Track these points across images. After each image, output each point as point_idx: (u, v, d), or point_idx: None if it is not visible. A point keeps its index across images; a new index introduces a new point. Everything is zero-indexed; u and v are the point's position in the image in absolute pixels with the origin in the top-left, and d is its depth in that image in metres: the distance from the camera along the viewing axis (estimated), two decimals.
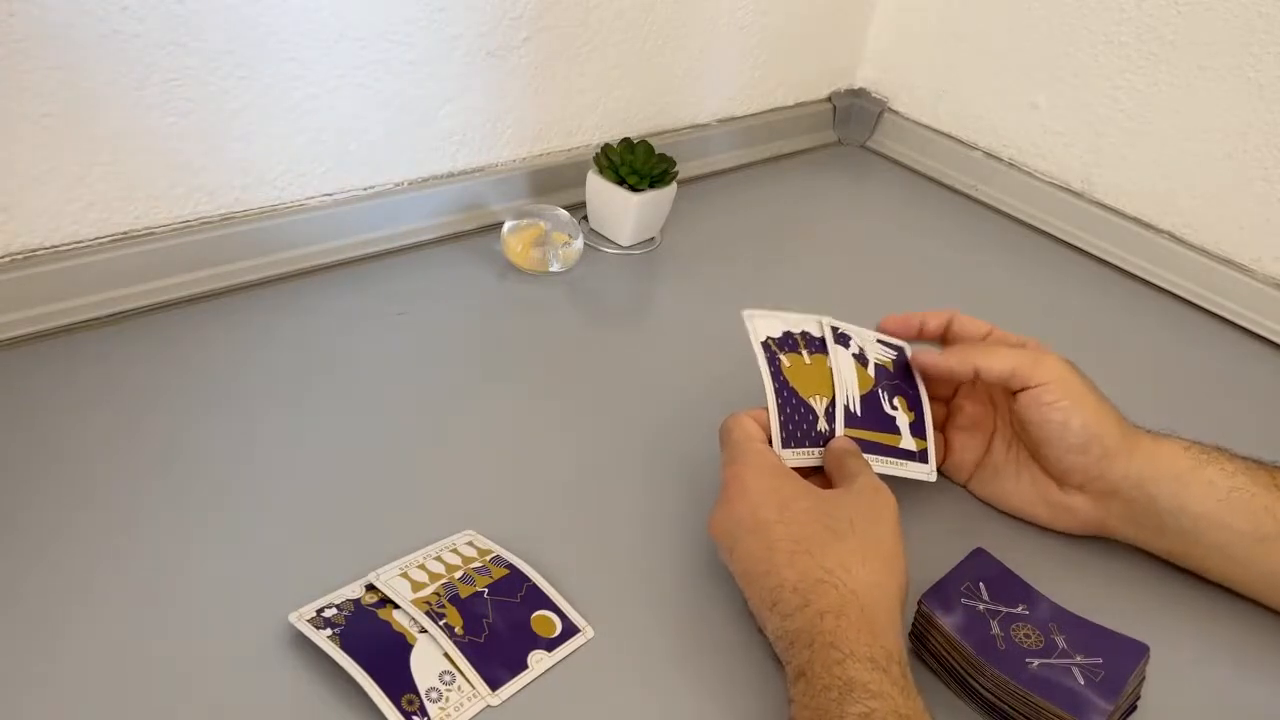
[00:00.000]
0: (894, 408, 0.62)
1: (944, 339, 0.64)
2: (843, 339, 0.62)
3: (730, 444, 0.57)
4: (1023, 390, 0.58)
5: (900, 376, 0.63)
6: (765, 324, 0.60)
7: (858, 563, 0.50)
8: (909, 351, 0.65)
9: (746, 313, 0.60)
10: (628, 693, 0.51)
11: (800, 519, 0.52)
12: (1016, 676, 0.49)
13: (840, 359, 0.61)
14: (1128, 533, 0.60)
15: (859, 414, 0.60)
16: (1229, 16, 0.86)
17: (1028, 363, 0.58)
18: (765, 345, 0.59)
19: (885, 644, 0.47)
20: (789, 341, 0.60)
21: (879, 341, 0.64)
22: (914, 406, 0.63)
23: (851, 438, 0.59)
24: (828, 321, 0.62)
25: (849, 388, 0.60)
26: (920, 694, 0.46)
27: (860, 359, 0.62)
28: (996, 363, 0.58)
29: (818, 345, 0.61)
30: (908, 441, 0.61)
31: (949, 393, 0.66)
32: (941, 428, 0.66)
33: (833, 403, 0.59)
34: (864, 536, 0.51)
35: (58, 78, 0.64)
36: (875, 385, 0.62)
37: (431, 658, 0.49)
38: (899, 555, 0.52)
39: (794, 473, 0.55)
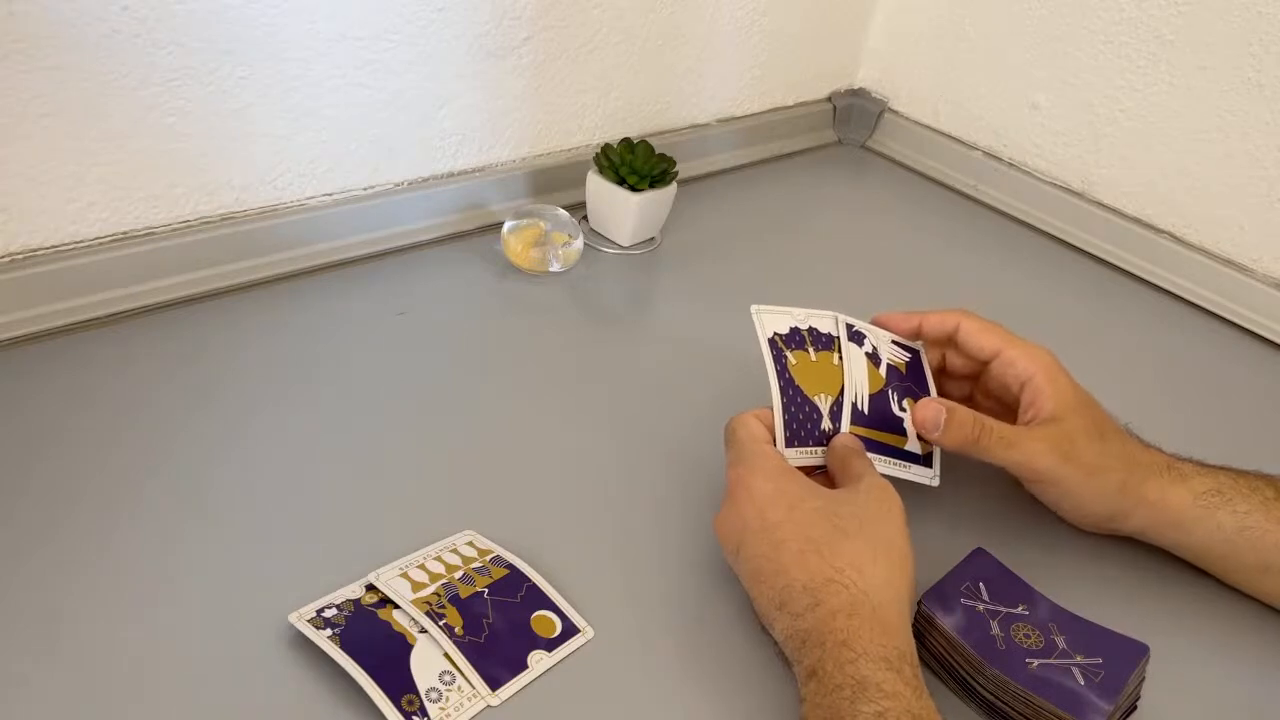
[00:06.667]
0: (903, 409, 0.61)
1: (949, 344, 0.64)
2: (857, 337, 0.62)
3: (735, 444, 0.57)
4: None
5: (912, 379, 0.63)
6: (773, 320, 0.60)
7: (868, 562, 0.50)
8: (924, 353, 0.65)
9: (755, 308, 0.60)
10: (628, 693, 0.51)
11: (808, 519, 0.52)
12: (1016, 677, 0.49)
13: (852, 356, 0.61)
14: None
15: (866, 413, 0.60)
16: (1229, 16, 0.86)
17: (1023, 463, 0.57)
18: (772, 342, 0.59)
19: (897, 643, 0.47)
20: (796, 338, 0.60)
21: (894, 343, 0.64)
22: None
23: (856, 436, 0.59)
24: (843, 318, 0.62)
25: (859, 386, 0.60)
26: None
27: (873, 358, 0.62)
28: (991, 458, 0.58)
29: (825, 342, 0.61)
30: (913, 444, 0.61)
31: (975, 373, 0.65)
32: (969, 403, 0.65)
33: (838, 401, 0.59)
34: (873, 536, 0.51)
35: (58, 78, 0.64)
36: (886, 385, 0.62)
37: (431, 658, 0.49)
38: (908, 555, 0.52)
39: (800, 473, 0.55)
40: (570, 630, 0.53)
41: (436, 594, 0.52)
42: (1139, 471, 0.58)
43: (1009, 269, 0.97)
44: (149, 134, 0.70)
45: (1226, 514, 0.56)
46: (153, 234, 0.73)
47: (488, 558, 0.56)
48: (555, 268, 0.84)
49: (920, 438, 0.61)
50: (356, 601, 0.52)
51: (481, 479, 0.63)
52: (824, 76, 1.15)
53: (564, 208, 0.85)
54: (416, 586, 0.53)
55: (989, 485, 0.66)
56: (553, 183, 0.93)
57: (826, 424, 0.59)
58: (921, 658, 0.53)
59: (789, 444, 0.58)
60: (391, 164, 0.83)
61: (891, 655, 0.46)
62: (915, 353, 0.64)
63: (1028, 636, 0.51)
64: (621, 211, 0.87)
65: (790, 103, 1.13)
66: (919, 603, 0.53)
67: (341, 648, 0.48)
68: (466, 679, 0.49)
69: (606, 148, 0.88)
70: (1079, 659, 0.50)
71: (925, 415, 0.58)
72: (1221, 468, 0.59)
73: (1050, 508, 0.61)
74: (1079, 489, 0.58)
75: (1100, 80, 0.96)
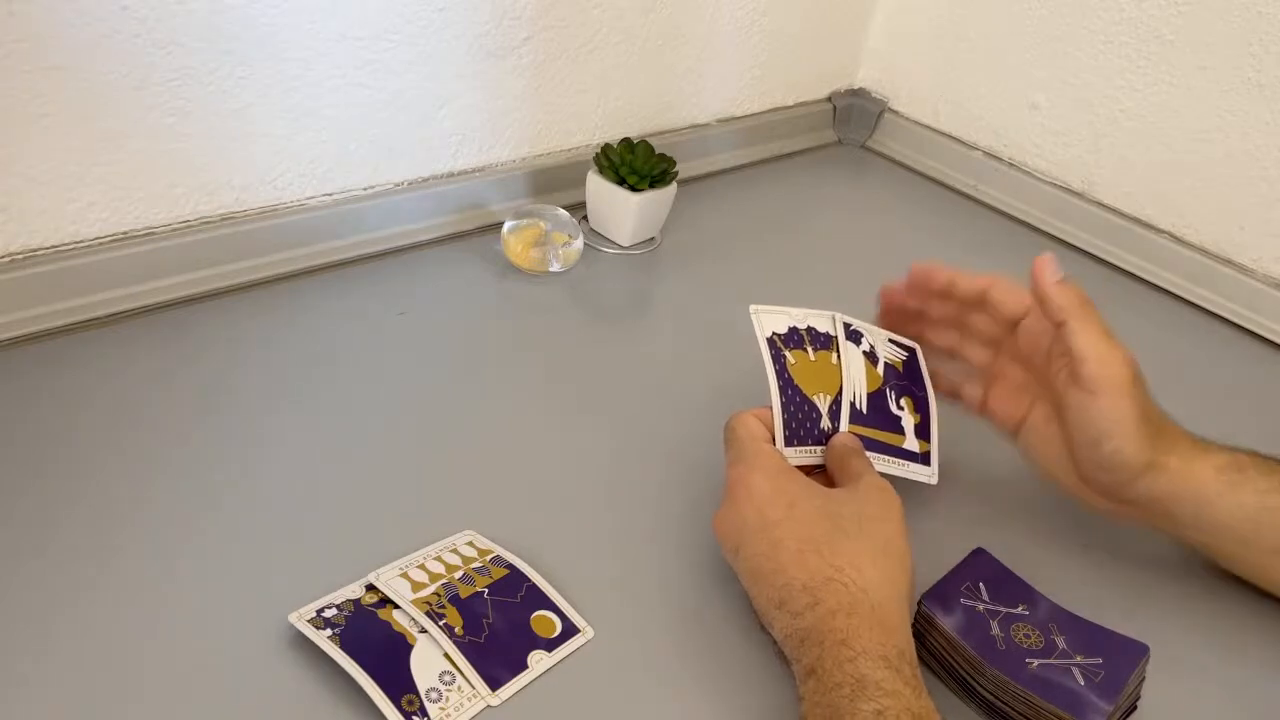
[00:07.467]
0: (900, 408, 0.62)
1: (973, 306, 0.62)
2: (854, 336, 0.62)
3: (735, 443, 0.57)
4: (1078, 386, 0.56)
5: (909, 377, 0.63)
6: (771, 320, 0.60)
7: (867, 561, 0.50)
8: (920, 352, 0.65)
9: (753, 308, 0.60)
10: (628, 693, 0.51)
11: (808, 518, 0.52)
12: (1016, 677, 0.49)
13: (850, 356, 0.61)
14: (1144, 526, 0.60)
15: (865, 412, 0.60)
16: (1229, 16, 0.86)
17: (1102, 361, 0.55)
18: (771, 342, 0.59)
19: (897, 642, 0.47)
20: (794, 338, 0.60)
21: (890, 341, 0.64)
22: (920, 409, 0.63)
23: (855, 435, 0.59)
24: (840, 318, 0.62)
25: (856, 385, 0.61)
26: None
27: (870, 357, 0.62)
28: (1081, 337, 0.56)
29: (823, 342, 0.61)
30: (911, 443, 0.61)
31: (999, 340, 0.63)
32: (984, 373, 0.64)
33: (837, 401, 0.60)
34: (872, 535, 0.52)
35: (57, 78, 0.64)
36: (883, 384, 0.62)
37: (431, 658, 0.49)
38: (907, 554, 0.52)
39: (799, 472, 0.55)
40: (570, 630, 0.53)
41: (436, 594, 0.52)
42: (1166, 437, 0.56)
43: (1009, 269, 0.96)
44: (149, 134, 0.70)
45: (1248, 492, 0.55)
46: (153, 234, 0.73)
47: (488, 558, 0.56)
48: (555, 268, 0.84)
49: (918, 435, 0.61)
50: (356, 601, 0.52)
51: (481, 479, 0.63)
52: (824, 76, 1.15)
53: (564, 208, 0.85)
54: (416, 586, 0.52)
55: (989, 485, 0.67)
56: (553, 183, 0.93)
57: (825, 423, 0.59)
58: (921, 658, 0.53)
59: (788, 443, 0.58)
60: (391, 164, 0.83)
61: (890, 654, 0.46)
62: (912, 351, 0.65)
63: (1028, 636, 0.51)
64: (621, 211, 0.87)
65: (790, 103, 1.13)
66: (919, 603, 0.53)
67: (341, 648, 0.48)
68: (466, 679, 0.49)
69: (606, 148, 0.88)
70: (1079, 659, 0.50)
71: (1050, 259, 0.57)
72: (1238, 447, 0.57)
73: (1081, 452, 0.58)
74: (1132, 418, 0.55)
75: (1100, 80, 0.96)
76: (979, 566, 0.55)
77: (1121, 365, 0.55)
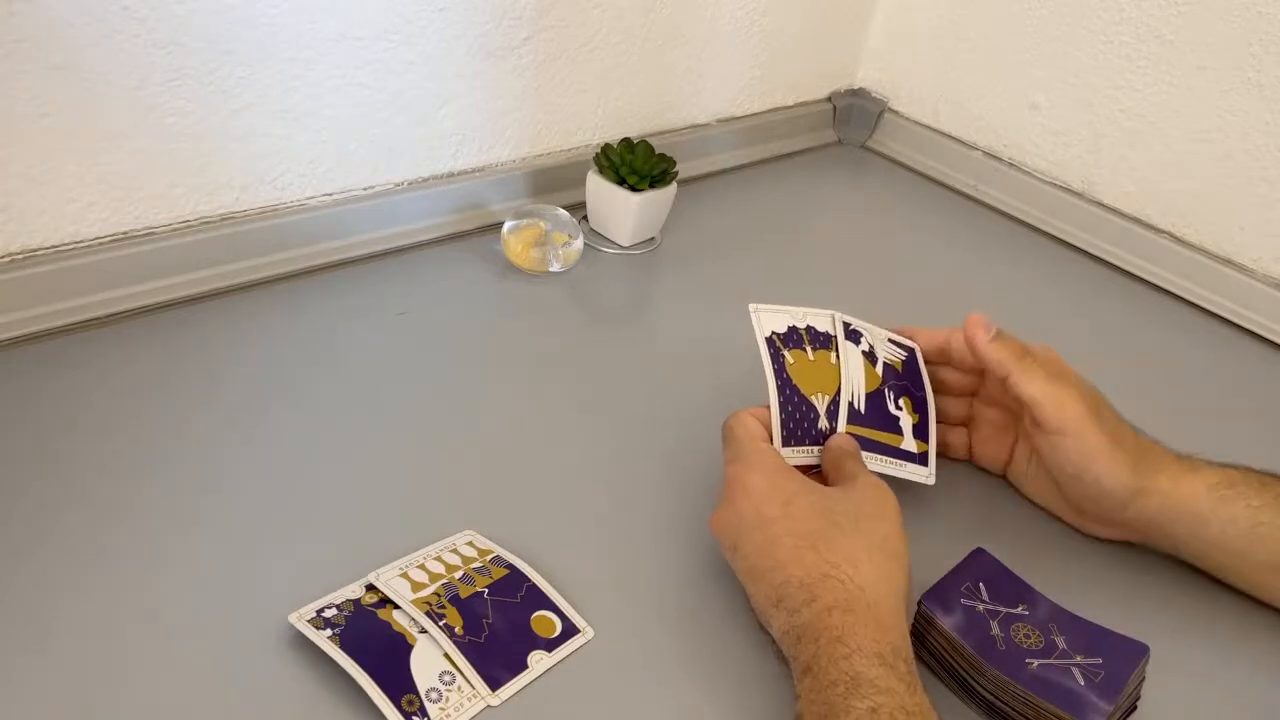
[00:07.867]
0: (899, 408, 0.62)
1: (938, 362, 0.65)
2: (854, 335, 0.62)
3: (733, 442, 0.57)
4: (1041, 430, 0.59)
5: (908, 378, 0.63)
6: (771, 319, 0.60)
7: (864, 558, 0.50)
8: (919, 352, 0.65)
9: (753, 307, 0.60)
10: (628, 693, 0.51)
11: (804, 515, 0.52)
12: (1016, 677, 0.49)
13: (849, 355, 0.61)
14: (1149, 546, 0.61)
15: (863, 411, 0.60)
16: (1229, 16, 0.86)
17: (1054, 403, 0.57)
18: (770, 341, 0.59)
19: (892, 639, 0.47)
20: (794, 337, 0.60)
21: (890, 341, 0.64)
22: (919, 409, 0.63)
23: (853, 435, 0.59)
24: (840, 317, 0.62)
25: (855, 385, 0.61)
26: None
27: (869, 357, 0.62)
28: (1027, 387, 0.58)
29: (823, 341, 0.61)
30: (909, 443, 0.61)
31: (972, 388, 0.66)
32: (964, 423, 0.67)
33: (835, 400, 0.59)
34: (869, 533, 0.52)
35: (58, 78, 0.64)
36: (882, 384, 0.62)
37: (431, 658, 0.49)
38: (903, 552, 0.52)
39: (796, 471, 0.55)
40: (570, 630, 0.53)
41: (436, 594, 0.52)
42: (1150, 459, 0.57)
43: (1009, 269, 0.97)
44: (149, 134, 0.70)
45: (1240, 507, 0.56)
46: (153, 234, 0.73)
47: (488, 558, 0.56)
48: (555, 268, 0.84)
49: (916, 435, 0.61)
50: (356, 601, 0.52)
51: (481, 479, 0.63)
52: (824, 76, 1.15)
53: (564, 208, 0.85)
54: (416, 586, 0.53)
55: (989, 485, 0.67)
56: (553, 183, 0.93)
57: (823, 423, 0.59)
58: (921, 658, 0.53)
59: (785, 443, 0.58)
60: (391, 164, 0.83)
61: (885, 651, 0.46)
62: (911, 351, 0.65)
63: (1028, 636, 0.51)
64: (621, 211, 0.87)
65: (790, 103, 1.13)
66: (919, 603, 0.53)
67: (341, 648, 0.48)
68: (466, 679, 0.49)
69: (606, 148, 0.88)
70: (1079, 659, 0.50)
71: (981, 319, 0.59)
72: (1229, 464, 0.58)
73: (1066, 487, 0.60)
74: (1102, 448, 0.57)
75: (1100, 80, 0.96)
76: (979, 566, 0.55)
77: (1075, 402, 0.57)
